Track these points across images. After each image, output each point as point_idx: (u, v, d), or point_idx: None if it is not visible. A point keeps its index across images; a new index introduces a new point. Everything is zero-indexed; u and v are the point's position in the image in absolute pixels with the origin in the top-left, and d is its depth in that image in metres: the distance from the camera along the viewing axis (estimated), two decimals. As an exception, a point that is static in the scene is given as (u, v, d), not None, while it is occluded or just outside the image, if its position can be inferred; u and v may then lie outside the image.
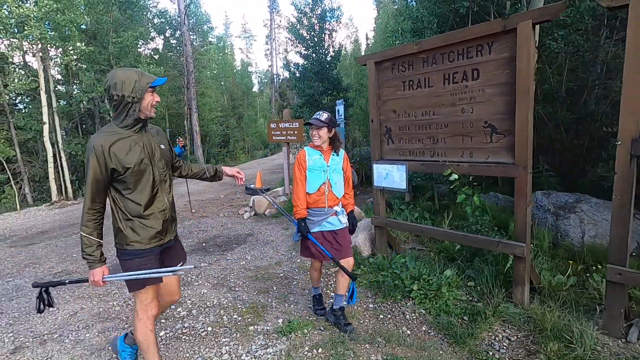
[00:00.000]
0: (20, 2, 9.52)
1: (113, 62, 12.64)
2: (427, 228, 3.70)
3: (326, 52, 12.04)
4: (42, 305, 1.97)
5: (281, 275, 4.06)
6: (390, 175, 3.85)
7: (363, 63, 4.04)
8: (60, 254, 5.25)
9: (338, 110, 4.80)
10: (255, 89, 46.97)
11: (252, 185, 9.59)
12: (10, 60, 11.85)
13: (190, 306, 3.38)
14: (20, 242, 6.18)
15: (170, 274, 1.93)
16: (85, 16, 11.20)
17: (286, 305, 3.33)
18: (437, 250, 4.26)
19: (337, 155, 2.78)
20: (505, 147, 2.96)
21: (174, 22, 18.42)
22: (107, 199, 1.92)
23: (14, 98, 12.72)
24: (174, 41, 19.60)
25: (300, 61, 12.81)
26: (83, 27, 13.68)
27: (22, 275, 4.51)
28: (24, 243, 6.09)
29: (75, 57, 11.43)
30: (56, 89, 12.84)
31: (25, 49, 10.57)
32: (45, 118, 10.81)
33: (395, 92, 3.74)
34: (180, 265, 2.18)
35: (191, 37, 19.24)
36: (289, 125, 7.54)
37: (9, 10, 9.35)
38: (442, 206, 6.27)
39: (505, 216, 4.92)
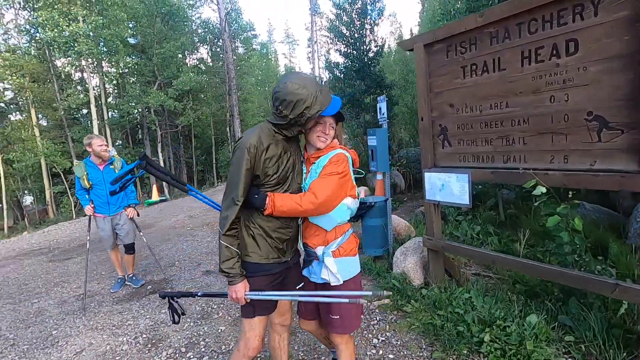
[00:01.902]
0: (70, 21, 9.98)
1: (157, 73, 12.95)
2: (501, 257, 2.81)
3: (367, 48, 11.26)
4: (175, 316, 1.87)
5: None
6: (447, 187, 3.03)
7: (409, 48, 3.26)
8: (91, 271, 5.07)
9: (380, 108, 4.06)
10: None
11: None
12: (68, 76, 12.57)
13: (202, 349, 2.84)
14: (59, 256, 6.20)
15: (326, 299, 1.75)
16: (129, 30, 11.52)
17: (316, 356, 2.66)
18: (512, 280, 3.34)
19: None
20: (623, 147, 2.04)
21: (216, 30, 18.73)
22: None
23: (73, 112, 13.54)
24: (217, 49, 19.95)
25: (341, 60, 12.19)
26: (132, 41, 14.25)
27: (48, 296, 4.33)
28: (62, 257, 6.09)
29: (124, 70, 11.85)
30: (108, 101, 13.45)
31: (77, 64, 11.10)
32: (96, 130, 11.24)
33: (452, 80, 2.92)
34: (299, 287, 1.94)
35: (233, 44, 19.46)
36: (327, 127, 6.90)
37: (61, 29, 9.81)
38: (508, 217, 5.22)
39: (600, 234, 3.83)
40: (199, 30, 19.26)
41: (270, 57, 43.26)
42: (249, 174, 1.64)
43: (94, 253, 5.95)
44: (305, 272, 1.93)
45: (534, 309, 2.70)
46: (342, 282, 1.81)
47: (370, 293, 1.69)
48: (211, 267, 4.83)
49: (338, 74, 11.97)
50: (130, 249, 4.30)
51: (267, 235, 1.74)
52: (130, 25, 12.81)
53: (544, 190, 2.37)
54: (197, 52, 20.82)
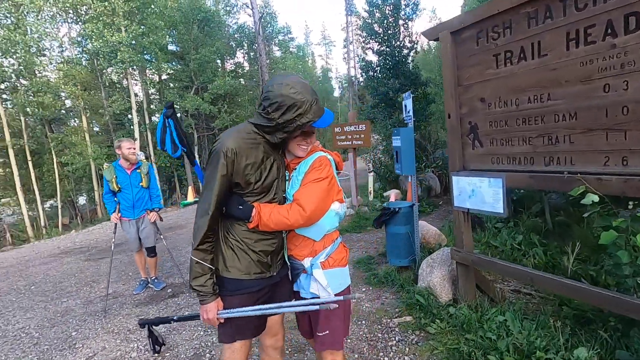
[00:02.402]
0: (113, 32, 10.56)
1: (194, 78, 13.38)
2: (542, 277, 2.38)
3: (401, 45, 10.81)
4: (156, 346, 1.80)
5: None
6: (479, 193, 2.66)
7: (434, 37, 2.92)
8: (119, 272, 5.21)
9: (405, 106, 3.73)
10: (336, 93, 47.13)
11: (319, 195, 8.92)
12: (113, 83, 13.34)
13: (208, 362, 2.70)
14: (95, 255, 6.48)
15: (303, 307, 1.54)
16: (167, 37, 12.00)
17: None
18: (557, 302, 2.88)
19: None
20: None
21: (251, 34, 19.08)
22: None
23: (118, 118, 14.36)
24: (253, 53, 20.33)
25: (374, 59, 11.83)
26: (173, 48, 14.86)
27: (77, 296, 4.47)
28: (97, 257, 6.36)
29: (164, 76, 12.37)
30: (150, 107, 14.11)
31: (120, 72, 11.74)
32: (137, 134, 11.81)
33: (484, 71, 2.55)
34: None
35: (267, 47, 19.71)
36: (355, 128, 6.64)
37: (106, 39, 10.41)
38: (557, 225, 4.63)
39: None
40: (236, 35, 19.72)
41: (306, 59, 43.59)
42: (225, 181, 1.44)
43: (125, 254, 6.14)
44: (295, 287, 1.74)
45: (584, 340, 2.26)
46: (333, 296, 1.61)
47: (342, 298, 1.54)
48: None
49: (370, 73, 11.63)
50: (151, 252, 4.33)
51: (249, 247, 1.54)
52: (169, 33, 13.35)
53: (595, 198, 1.95)
54: (235, 56, 21.35)
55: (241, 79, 18.02)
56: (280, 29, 23.56)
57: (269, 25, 19.70)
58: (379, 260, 4.43)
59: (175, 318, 1.60)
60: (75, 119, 14.64)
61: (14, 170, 13.34)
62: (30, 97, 12.68)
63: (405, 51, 10.78)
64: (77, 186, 16.66)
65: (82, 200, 18.80)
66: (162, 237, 4.42)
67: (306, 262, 1.64)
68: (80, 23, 12.21)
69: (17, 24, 12.25)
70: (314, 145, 1.68)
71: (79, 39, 12.57)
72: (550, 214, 4.73)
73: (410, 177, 4.01)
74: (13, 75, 12.78)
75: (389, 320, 3.02)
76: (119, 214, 4.13)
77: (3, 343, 3.37)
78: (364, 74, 12.38)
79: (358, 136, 6.59)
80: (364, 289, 3.72)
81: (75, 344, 3.21)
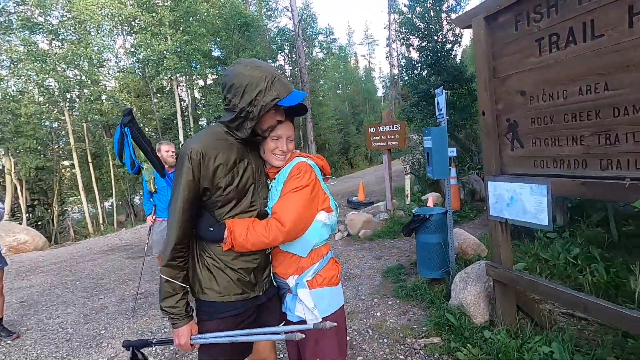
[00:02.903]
0: (160, 40, 11.17)
1: (235, 82, 13.78)
2: (599, 305, 1.95)
3: (444, 39, 10.22)
4: None
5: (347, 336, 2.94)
6: (518, 201, 2.29)
7: (465, 24, 2.59)
8: (154, 271, 5.38)
9: (438, 103, 3.40)
10: (380, 93, 46.39)
11: (354, 198, 8.67)
12: (161, 89, 14.13)
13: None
14: (137, 254, 6.80)
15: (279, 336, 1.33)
16: (209, 44, 12.44)
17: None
18: (619, 332, 2.41)
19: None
20: None
21: (291, 37, 19.28)
22: None
23: (165, 122, 15.20)
24: (292, 56, 20.54)
25: (415, 55, 11.33)
26: (217, 54, 15.43)
27: (113, 293, 4.67)
28: (139, 255, 6.66)
29: (209, 81, 12.88)
30: (196, 111, 14.76)
31: (166, 78, 12.39)
32: (182, 138, 12.37)
33: (524, 60, 2.19)
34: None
35: (307, 49, 19.79)
36: (390, 128, 6.31)
37: (153, 48, 11.03)
38: (624, 236, 3.99)
39: None
40: (277, 39, 20.05)
41: (348, 59, 43.34)
42: (192, 187, 1.29)
43: (163, 252, 6.36)
44: (283, 308, 1.56)
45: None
46: (320, 320, 1.41)
47: (312, 326, 1.30)
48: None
49: (411, 71, 11.15)
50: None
51: (227, 265, 1.38)
52: (212, 40, 13.87)
53: (669, 212, 1.55)
54: (276, 60, 21.72)
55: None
56: (321, 30, 23.59)
57: (309, 27, 19.80)
58: (410, 271, 4.11)
59: (154, 341, 1.49)
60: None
61: (77, 171, 14.65)
62: (91, 105, 13.83)
63: (449, 46, 10.18)
64: (131, 186, 17.91)
65: (137, 199, 20.19)
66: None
67: (291, 281, 1.47)
68: (132, 34, 13.09)
69: (80, 39, 13.43)
70: (293, 152, 1.50)
71: (132, 49, 13.47)
72: (615, 223, 4.09)
73: (444, 181, 3.66)
74: (77, 85, 14.00)
75: (414, 340, 2.73)
76: (154, 216, 4.23)
77: (42, 337, 3.57)
78: (404, 71, 11.94)
79: (393, 137, 6.25)
80: (390, 302, 3.44)
81: (102, 343, 3.30)
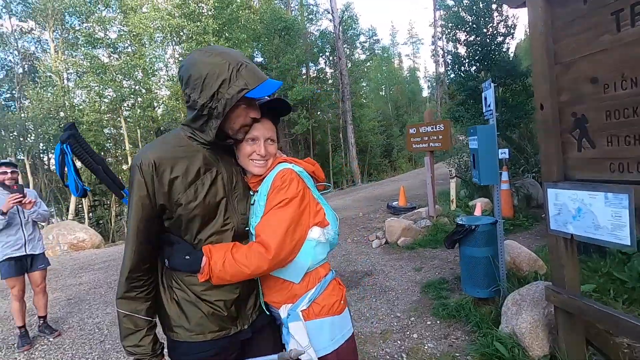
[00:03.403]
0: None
1: (275, 86, 13.95)
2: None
3: (494, 31, 9.46)
4: None
5: (379, 361, 2.64)
6: (588, 213, 1.86)
7: (519, 3, 2.20)
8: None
9: (485, 98, 3.00)
10: (425, 93, 44.92)
11: (394, 203, 8.24)
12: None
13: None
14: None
15: None
16: (250, 49, 12.68)
17: None
18: None
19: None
20: None
21: (332, 39, 19.18)
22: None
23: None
24: (333, 58, 20.43)
25: (462, 51, 10.65)
26: (259, 60, 15.75)
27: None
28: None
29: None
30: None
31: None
32: (224, 142, 12.72)
33: (596, 39, 1.77)
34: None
35: (348, 50, 19.57)
36: (432, 128, 5.87)
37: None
38: None
39: None
40: (318, 42, 20.06)
41: (392, 60, 42.50)
42: (146, 204, 1.07)
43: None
44: (283, 340, 1.29)
45: None
46: (315, 358, 1.16)
47: (276, 357, 1.13)
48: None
49: (459, 67, 10.48)
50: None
51: (199, 297, 1.14)
52: (255, 45, 14.16)
53: None
54: (317, 63, 21.75)
55: (323, 84, 18.20)
56: (363, 32, 23.27)
57: (350, 29, 19.57)
58: (454, 286, 3.69)
59: None
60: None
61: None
62: (144, 112, 14.74)
63: (500, 39, 9.40)
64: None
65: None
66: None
67: (282, 312, 1.21)
68: (180, 44, 13.76)
69: (135, 51, 14.39)
70: (277, 157, 1.24)
71: (180, 58, 14.15)
72: None
73: (494, 186, 3.22)
74: (132, 95, 15.00)
75: (454, 372, 2.37)
76: None
77: (80, 336, 3.68)
78: (451, 69, 11.28)
79: (436, 137, 5.79)
80: (429, 322, 3.07)
81: (131, 347, 3.30)
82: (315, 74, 20.64)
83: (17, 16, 14.98)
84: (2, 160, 3.55)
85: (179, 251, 1.10)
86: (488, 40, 9.40)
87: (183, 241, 1.13)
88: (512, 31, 9.29)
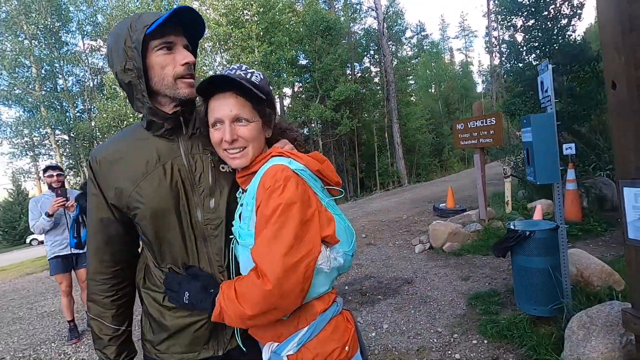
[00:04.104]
0: (248, 53, 11.89)
1: (318, 87, 13.87)
2: None
3: (557, 13, 8.50)
4: None
5: (414, 383, 2.33)
6: (683, 219, 1.43)
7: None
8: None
9: (542, 82, 2.57)
10: (480, 89, 42.42)
11: (441, 205, 7.69)
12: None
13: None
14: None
15: None
16: (293, 52, 12.79)
17: None
18: None
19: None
20: None
21: (377, 37, 18.74)
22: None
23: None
24: (377, 56, 19.95)
25: (519, 37, 9.76)
26: (305, 62, 15.90)
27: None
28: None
29: (296, 88, 13.29)
30: (282, 119, 15.45)
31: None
32: (268, 144, 13.00)
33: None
34: None
35: (393, 47, 18.99)
36: (482, 123, 5.34)
37: (242, 61, 11.79)
38: None
39: None
40: (362, 41, 19.73)
41: (442, 55, 40.73)
42: (99, 203, 0.99)
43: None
44: None
45: None
46: None
47: None
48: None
49: (515, 56, 9.58)
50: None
51: (163, 316, 1.01)
52: (299, 48, 14.27)
53: None
54: (362, 62, 21.41)
55: (368, 83, 17.87)
56: (410, 27, 22.48)
57: (395, 25, 18.96)
58: (506, 300, 3.23)
59: None
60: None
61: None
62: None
63: (564, 21, 8.43)
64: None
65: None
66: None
67: (265, 352, 0.94)
68: (227, 51, 14.28)
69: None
70: (273, 147, 0.98)
71: (226, 65, 14.72)
72: None
73: (555, 186, 2.75)
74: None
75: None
76: None
77: (121, 332, 3.81)
78: (506, 59, 10.37)
79: (486, 133, 5.25)
80: (474, 340, 2.69)
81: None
82: (360, 74, 20.31)
83: (88, 36, 16.59)
84: (49, 164, 3.80)
85: (197, 286, 0.93)
86: (549, 24, 8.47)
87: (204, 276, 0.98)
88: (578, 11, 8.29)
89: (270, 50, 11.71)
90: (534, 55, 9.08)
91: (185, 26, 0.96)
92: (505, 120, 12.05)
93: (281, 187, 0.84)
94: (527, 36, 9.09)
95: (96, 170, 0.99)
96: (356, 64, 20.23)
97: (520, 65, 8.97)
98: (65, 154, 14.85)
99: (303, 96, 17.16)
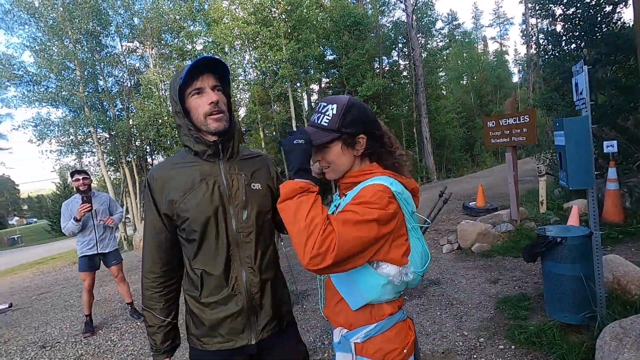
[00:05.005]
0: (276, 51, 12.04)
1: (345, 83, 13.83)
2: None
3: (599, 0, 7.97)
4: None
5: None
6: None
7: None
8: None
9: (576, 84, 2.49)
10: (516, 79, 40.53)
11: (471, 203, 7.52)
12: (278, 96, 15.32)
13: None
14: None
15: None
16: (320, 48, 12.80)
17: None
18: None
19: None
20: None
21: (405, 29, 18.33)
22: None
23: (283, 127, 16.43)
24: (406, 49, 19.52)
25: (559, 28, 9.27)
26: (332, 58, 15.89)
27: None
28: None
29: (323, 84, 13.35)
30: (309, 115, 15.49)
31: (282, 86, 13.33)
32: (295, 141, 13.16)
33: None
34: None
35: (422, 39, 18.52)
36: (514, 120, 5.17)
37: (269, 59, 11.97)
38: None
39: None
40: (390, 34, 19.37)
41: (475, 45, 39.16)
42: (152, 212, 1.22)
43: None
44: None
45: None
46: None
47: None
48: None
49: (552, 47, 9.10)
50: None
51: (203, 310, 1.22)
52: (327, 44, 14.27)
53: None
54: (390, 56, 21.04)
55: (395, 77, 17.57)
56: (441, 17, 21.79)
57: (424, 16, 18.44)
58: (536, 305, 3.17)
59: None
60: (254, 130, 17.61)
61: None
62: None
63: (608, 8, 7.89)
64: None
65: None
66: (282, 244, 4.52)
67: (335, 335, 1.11)
68: (256, 49, 14.54)
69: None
70: (376, 167, 1.10)
71: (255, 63, 14.99)
72: None
73: (589, 190, 2.66)
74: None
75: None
76: None
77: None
78: (543, 49, 9.85)
79: (519, 130, 5.07)
80: (501, 345, 2.68)
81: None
82: (387, 68, 20.00)
83: (125, 39, 17.41)
84: (76, 169, 4.02)
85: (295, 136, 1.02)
86: (592, 12, 7.97)
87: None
88: (624, -4, 7.71)
89: (298, 47, 11.80)
90: (574, 45, 8.59)
91: (215, 67, 1.18)
92: (542, 115, 11.48)
93: (374, 203, 0.95)
94: (566, 25, 8.60)
95: (152, 186, 1.21)
96: (384, 57, 19.94)
97: (559, 55, 8.50)
98: (106, 151, 15.73)
99: (330, 92, 17.17)
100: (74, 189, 3.91)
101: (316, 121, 1.07)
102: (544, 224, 5.39)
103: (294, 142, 0.98)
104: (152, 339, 1.26)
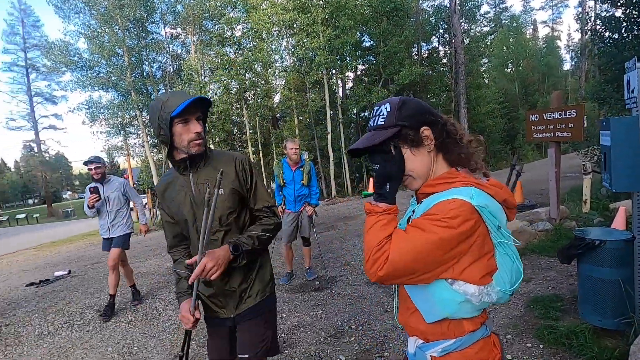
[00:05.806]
0: (312, 39, 12.04)
1: (382, 71, 13.59)
2: None
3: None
4: None
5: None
6: None
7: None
8: (280, 255, 5.88)
9: (629, 82, 2.38)
10: (567, 66, 37.77)
11: (508, 199, 7.26)
12: (315, 83, 15.34)
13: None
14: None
15: None
16: (357, 34, 12.62)
17: None
18: None
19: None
20: None
21: (447, 14, 17.57)
22: None
23: (317, 115, 16.49)
24: (447, 36, 18.73)
25: (619, 13, 8.55)
26: (368, 44, 15.65)
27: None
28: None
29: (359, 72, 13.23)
30: (343, 103, 15.45)
31: (318, 73, 13.34)
32: (329, 128, 13.17)
33: None
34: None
35: (465, 25, 17.68)
36: (560, 115, 4.92)
37: (306, 46, 12.00)
38: None
39: None
40: (431, 19, 18.66)
41: (522, 30, 36.71)
42: (164, 215, 1.65)
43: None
44: None
45: None
46: None
47: None
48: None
49: (612, 35, 8.41)
50: (306, 242, 4.69)
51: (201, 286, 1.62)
52: (364, 30, 14.05)
53: None
54: (430, 42, 20.32)
55: (434, 65, 17.00)
56: (485, 1, 20.57)
57: (469, 0, 17.53)
58: (569, 307, 3.11)
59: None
60: (288, 117, 17.84)
61: (251, 157, 17.67)
62: (261, 101, 16.32)
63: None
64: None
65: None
66: (314, 230, 4.67)
67: (410, 345, 1.07)
68: (293, 36, 14.62)
69: (255, 46, 15.91)
70: (458, 172, 1.00)
71: (292, 50, 15.07)
72: None
73: (634, 194, 2.55)
74: (252, 86, 16.72)
75: None
76: (284, 207, 4.61)
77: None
78: (599, 37, 9.13)
79: (564, 126, 4.83)
80: (529, 344, 2.68)
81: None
82: (426, 54, 19.35)
83: (169, 25, 18.04)
84: (89, 158, 4.16)
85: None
86: (659, -4, 7.27)
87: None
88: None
89: (335, 34, 11.73)
90: (636, 32, 7.90)
91: (201, 101, 1.46)
92: (593, 108, 10.68)
93: (442, 221, 0.88)
94: (628, 10, 7.91)
95: (158, 195, 1.67)
96: (423, 44, 19.28)
97: (617, 44, 7.87)
98: (149, 133, 16.59)
99: (366, 79, 16.95)
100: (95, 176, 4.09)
101: (373, 124, 1.02)
102: (586, 225, 5.16)
103: (375, 167, 0.99)
104: (179, 286, 1.61)
